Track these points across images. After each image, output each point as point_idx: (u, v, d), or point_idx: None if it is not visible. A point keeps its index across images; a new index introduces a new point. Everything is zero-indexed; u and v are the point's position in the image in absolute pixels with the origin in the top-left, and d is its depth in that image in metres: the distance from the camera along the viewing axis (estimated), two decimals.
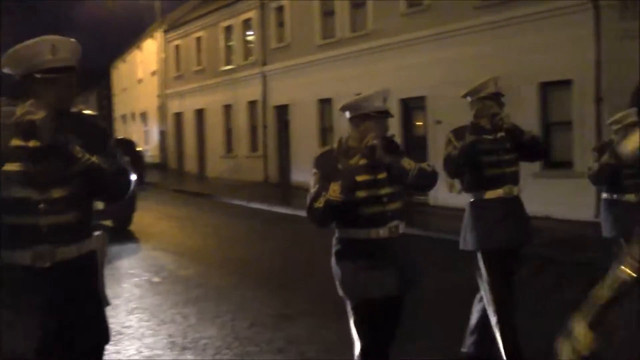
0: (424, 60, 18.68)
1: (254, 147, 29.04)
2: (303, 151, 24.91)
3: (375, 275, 4.14)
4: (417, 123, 20.06)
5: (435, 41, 18.45)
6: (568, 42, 14.80)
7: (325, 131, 24.21)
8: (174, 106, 36.96)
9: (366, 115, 4.23)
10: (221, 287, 9.60)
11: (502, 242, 5.41)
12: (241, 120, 29.79)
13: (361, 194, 4.14)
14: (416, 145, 19.18)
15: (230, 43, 30.96)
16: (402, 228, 4.28)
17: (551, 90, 15.78)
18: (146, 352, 6.69)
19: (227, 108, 31.09)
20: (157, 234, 14.66)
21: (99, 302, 3.56)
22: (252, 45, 29.22)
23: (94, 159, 3.30)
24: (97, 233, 3.56)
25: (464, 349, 5.94)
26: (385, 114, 4.29)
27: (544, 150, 5.89)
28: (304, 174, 24.51)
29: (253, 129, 29.08)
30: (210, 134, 33.01)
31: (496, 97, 5.65)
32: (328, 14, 23.87)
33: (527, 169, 7.16)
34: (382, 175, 4.21)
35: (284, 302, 8.57)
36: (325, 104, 23.95)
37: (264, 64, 27.66)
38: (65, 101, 3.41)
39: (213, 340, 7.00)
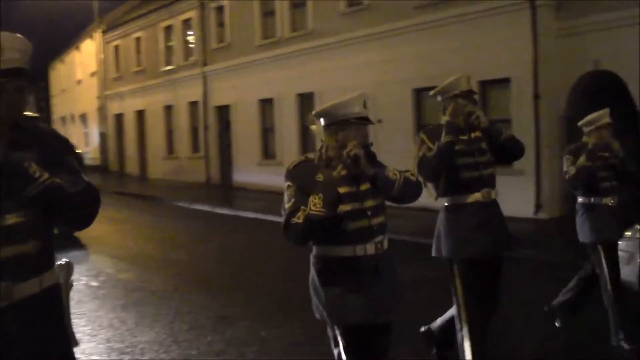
0: (364, 59, 18.77)
1: (195, 148, 28.80)
2: (245, 152, 24.88)
3: (362, 299, 3.76)
4: None
5: (375, 40, 18.54)
6: (506, 41, 15.04)
7: (267, 131, 24.17)
8: (114, 107, 36.45)
9: (345, 122, 3.85)
10: (161, 290, 9.47)
11: (480, 250, 5.17)
12: (182, 121, 29.52)
13: (345, 207, 3.75)
14: None
15: (170, 43, 30.65)
16: (386, 243, 3.94)
17: (490, 88, 15.99)
18: (83, 358, 6.55)
19: (168, 109, 30.77)
20: (97, 238, 14.39)
21: (67, 343, 3.07)
22: (192, 45, 28.99)
23: (54, 178, 2.78)
24: (60, 262, 3.09)
25: (426, 327, 5.87)
26: (365, 121, 3.91)
27: (523, 150, 5.53)
28: (245, 175, 24.55)
29: (194, 130, 28.86)
30: (151, 135, 32.63)
31: (469, 95, 5.38)
32: (268, 14, 23.81)
33: None
34: (365, 187, 3.87)
35: (224, 304, 8.51)
36: (266, 104, 23.92)
37: (205, 64, 27.46)
38: (15, 109, 2.91)
39: (151, 344, 6.89)
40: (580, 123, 6.52)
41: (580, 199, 6.46)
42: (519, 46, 14.81)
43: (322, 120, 3.97)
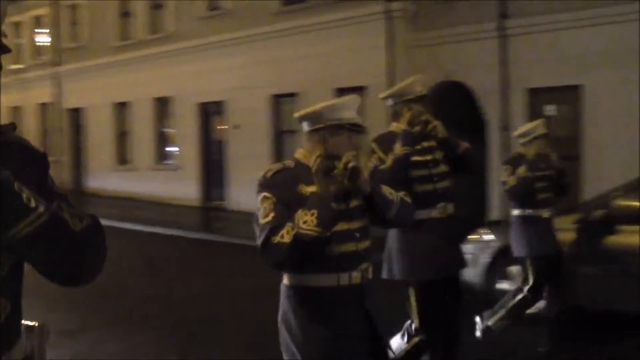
0: (224, 64, 18.62)
1: (45, 152, 27.56)
2: (98, 156, 24.22)
3: (349, 338, 3.24)
4: (218, 127, 19.91)
5: (235, 45, 18.43)
6: (363, 50, 15.30)
7: (122, 136, 23.64)
8: None
9: (337, 127, 3.32)
10: None
11: (437, 272, 4.76)
12: (32, 123, 28.28)
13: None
14: (215, 150, 19.22)
15: (19, 40, 29.28)
16: (371, 272, 3.37)
17: (346, 95, 16.11)
18: None
19: (16, 110, 29.29)
20: None
21: None
22: (43, 44, 27.85)
23: (53, 208, 1.77)
24: (29, 324, 2.11)
25: None
26: (359, 128, 3.40)
27: (478, 163, 5.23)
28: (99, 181, 23.87)
29: (45, 133, 27.75)
30: None
31: (424, 100, 4.93)
32: (125, 14, 23.22)
33: None
34: (355, 204, 3.30)
35: (65, 319, 8.07)
36: (121, 107, 23.38)
37: (57, 64, 26.45)
38: None
39: None
40: (515, 134, 6.45)
41: (516, 212, 6.32)
42: (375, 55, 15.09)
43: (305, 125, 3.43)
